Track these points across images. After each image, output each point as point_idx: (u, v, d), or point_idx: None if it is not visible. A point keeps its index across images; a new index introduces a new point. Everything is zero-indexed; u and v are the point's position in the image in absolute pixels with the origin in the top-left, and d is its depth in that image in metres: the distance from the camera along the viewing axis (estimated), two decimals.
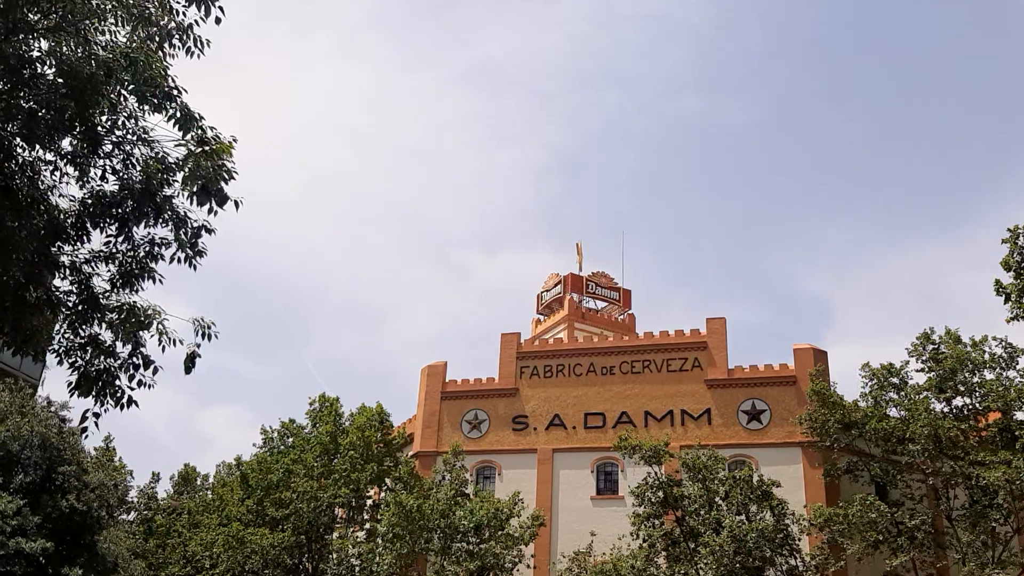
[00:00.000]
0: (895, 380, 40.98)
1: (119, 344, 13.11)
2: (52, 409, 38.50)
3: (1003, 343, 39.33)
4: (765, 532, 35.21)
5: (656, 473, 38.00)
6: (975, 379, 39.29)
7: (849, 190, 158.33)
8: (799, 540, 37.23)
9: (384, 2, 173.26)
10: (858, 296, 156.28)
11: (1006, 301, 28.31)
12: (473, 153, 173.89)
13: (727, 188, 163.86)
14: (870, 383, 41.39)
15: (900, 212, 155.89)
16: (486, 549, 39.12)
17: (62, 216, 12.57)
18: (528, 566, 40.91)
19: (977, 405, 39.34)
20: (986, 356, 39.23)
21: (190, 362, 13.13)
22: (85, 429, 12.93)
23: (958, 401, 39.75)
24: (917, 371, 40.71)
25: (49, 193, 12.61)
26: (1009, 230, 28.41)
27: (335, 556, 44.05)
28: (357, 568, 42.30)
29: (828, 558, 37.03)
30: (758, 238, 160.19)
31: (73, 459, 36.03)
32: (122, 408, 12.87)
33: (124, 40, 12.14)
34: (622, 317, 68.89)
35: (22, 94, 11.66)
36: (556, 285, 68.99)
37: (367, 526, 46.28)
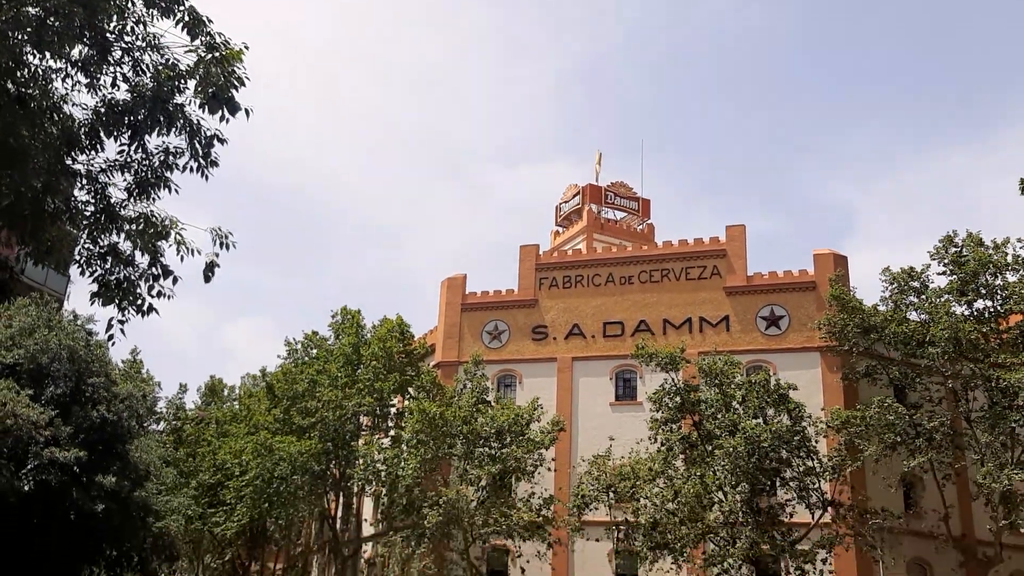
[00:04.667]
0: (915, 284, 40.67)
1: (138, 254, 13.21)
2: (78, 323, 38.97)
3: None
4: (781, 434, 35.48)
5: (673, 379, 38.26)
6: (997, 281, 38.89)
7: (875, 95, 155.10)
8: (816, 442, 37.43)
9: None
10: (882, 203, 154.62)
11: None
12: (492, 68, 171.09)
13: (750, 96, 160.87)
14: (890, 287, 41.13)
15: (926, 118, 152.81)
16: (508, 453, 39.89)
17: (76, 125, 12.54)
18: (549, 469, 41.69)
19: (999, 308, 39.01)
20: (1008, 258, 38.75)
21: (209, 271, 13.20)
22: (112, 337, 13.12)
23: (979, 304, 39.46)
24: (939, 275, 40.44)
25: (62, 102, 12.57)
26: None
27: (361, 462, 45.03)
28: (383, 473, 43.26)
29: (845, 459, 37.33)
30: (781, 146, 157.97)
31: (101, 371, 36.61)
32: (143, 315, 13.04)
33: None
34: (641, 227, 68.60)
35: (31, 1, 11.50)
36: (575, 196, 68.60)
37: (391, 433, 47.20)
